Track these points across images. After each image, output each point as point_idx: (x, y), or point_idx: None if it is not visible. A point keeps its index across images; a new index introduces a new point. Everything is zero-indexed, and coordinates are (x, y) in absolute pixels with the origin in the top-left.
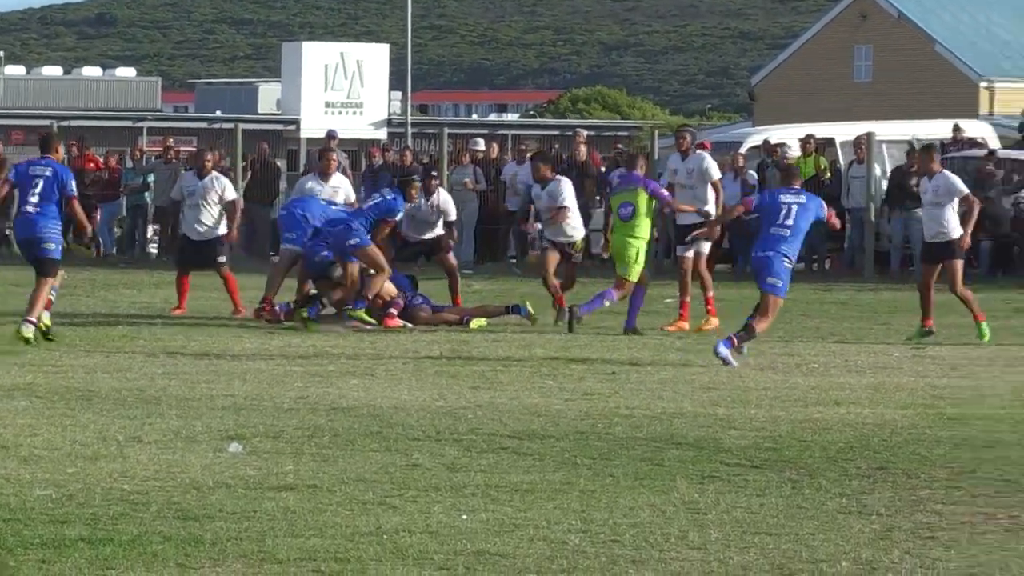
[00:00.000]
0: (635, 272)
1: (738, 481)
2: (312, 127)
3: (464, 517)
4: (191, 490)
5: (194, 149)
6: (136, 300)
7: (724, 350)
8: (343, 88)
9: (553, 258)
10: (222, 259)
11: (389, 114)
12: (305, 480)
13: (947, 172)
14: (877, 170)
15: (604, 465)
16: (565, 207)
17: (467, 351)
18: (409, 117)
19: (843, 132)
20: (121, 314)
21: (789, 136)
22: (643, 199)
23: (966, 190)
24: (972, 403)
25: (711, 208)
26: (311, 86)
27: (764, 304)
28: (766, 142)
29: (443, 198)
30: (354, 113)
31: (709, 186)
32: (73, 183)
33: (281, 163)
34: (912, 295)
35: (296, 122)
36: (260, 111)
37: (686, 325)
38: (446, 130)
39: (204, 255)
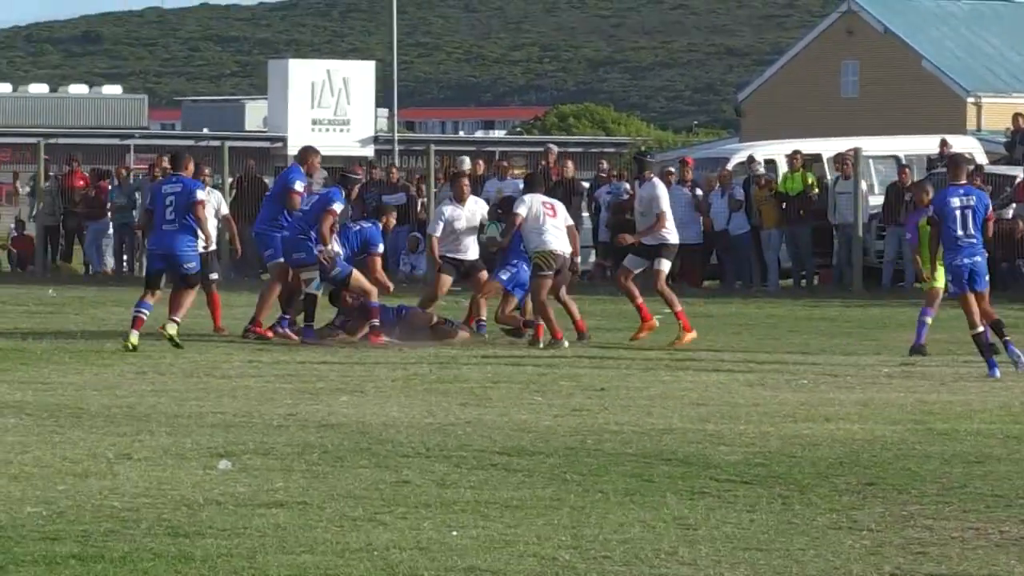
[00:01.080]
0: (929, 282)
1: (728, 497)
2: (299, 144)
3: (454, 533)
4: (181, 507)
5: None
6: (125, 318)
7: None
8: (330, 105)
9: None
10: (215, 275)
11: (376, 131)
12: (295, 497)
13: None
14: (864, 185)
15: (594, 481)
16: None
17: (456, 368)
18: (396, 134)
19: (830, 147)
20: (110, 332)
21: (776, 152)
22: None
23: None
24: (962, 418)
25: (667, 234)
26: (298, 103)
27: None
28: (751, 158)
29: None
30: (341, 130)
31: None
32: (199, 192)
33: (268, 180)
34: (898, 311)
35: (283, 139)
36: (247, 128)
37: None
38: (433, 147)
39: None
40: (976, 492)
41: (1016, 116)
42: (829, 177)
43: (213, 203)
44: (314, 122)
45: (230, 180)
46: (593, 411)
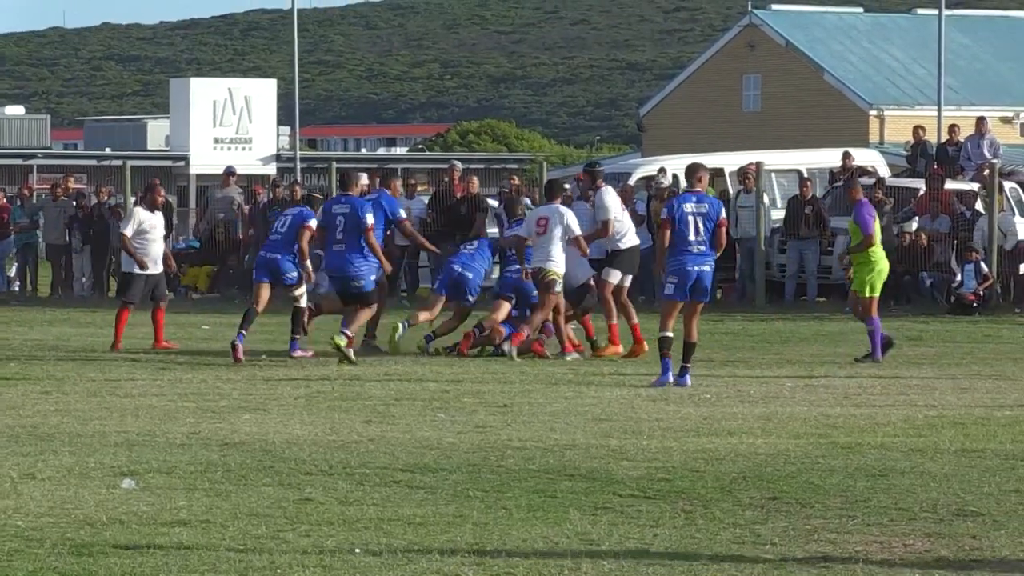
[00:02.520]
0: (862, 290)
1: (631, 512)
2: (201, 163)
3: (357, 551)
4: (85, 526)
5: (84, 187)
6: (28, 337)
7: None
8: (232, 124)
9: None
10: (169, 293)
11: (278, 149)
12: (198, 515)
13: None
14: (766, 199)
15: (497, 497)
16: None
17: (359, 385)
18: (298, 152)
19: (732, 162)
20: (14, 351)
21: (677, 167)
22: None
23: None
24: (865, 432)
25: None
26: (200, 122)
27: (695, 312)
28: (662, 169)
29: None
30: (243, 149)
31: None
32: (369, 216)
33: (171, 199)
34: (801, 324)
35: (185, 158)
36: (149, 147)
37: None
38: (335, 164)
39: (158, 288)
40: (880, 506)
41: (917, 129)
42: (731, 191)
43: (160, 227)
44: (216, 140)
45: (132, 200)
46: (496, 427)
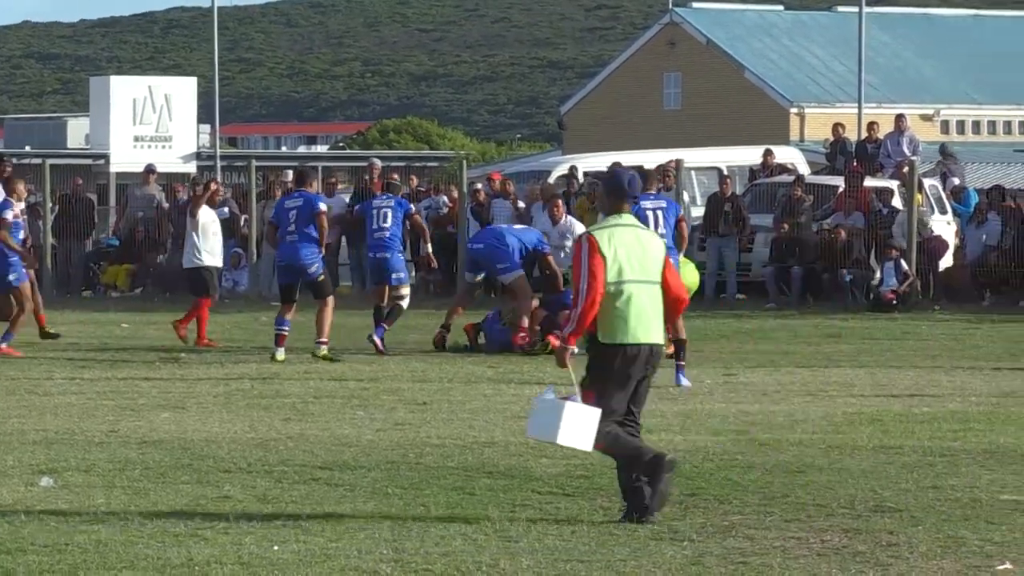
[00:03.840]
0: None
1: (549, 509)
2: (122, 161)
3: (276, 548)
4: (3, 523)
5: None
6: None
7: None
8: (152, 122)
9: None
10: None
11: (198, 147)
12: (117, 513)
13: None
14: (686, 197)
15: (415, 495)
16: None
17: (278, 383)
18: (218, 150)
19: (652, 159)
20: None
21: (598, 164)
22: None
23: None
24: (784, 429)
25: None
26: (120, 120)
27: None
28: (572, 168)
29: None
30: (163, 147)
31: None
32: (322, 204)
33: (92, 197)
34: (721, 322)
35: (105, 156)
36: (69, 146)
37: None
38: (254, 162)
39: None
40: (798, 502)
41: (836, 126)
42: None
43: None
44: (136, 139)
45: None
46: (415, 425)
